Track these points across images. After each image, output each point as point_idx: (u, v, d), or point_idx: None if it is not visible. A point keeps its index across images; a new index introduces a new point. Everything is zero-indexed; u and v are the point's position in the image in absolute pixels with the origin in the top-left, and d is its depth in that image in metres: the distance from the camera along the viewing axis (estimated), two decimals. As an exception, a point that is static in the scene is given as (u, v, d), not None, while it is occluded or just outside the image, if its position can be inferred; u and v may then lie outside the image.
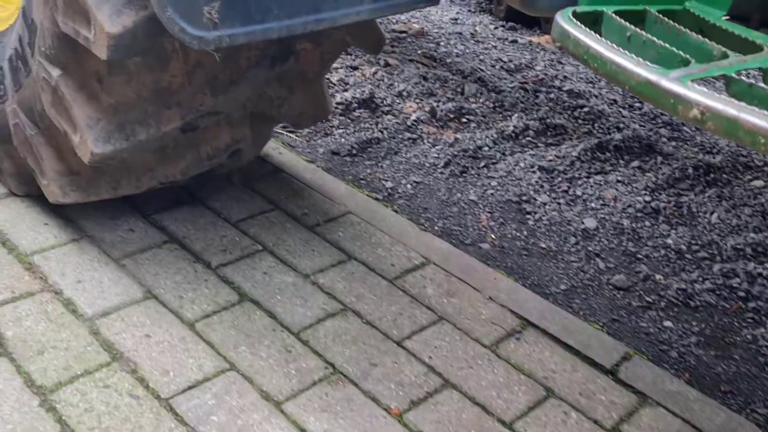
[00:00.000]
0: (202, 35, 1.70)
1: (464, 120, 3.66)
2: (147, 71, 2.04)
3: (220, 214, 2.71)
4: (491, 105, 3.80)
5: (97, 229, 2.53)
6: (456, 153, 3.32)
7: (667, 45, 1.63)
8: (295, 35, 1.98)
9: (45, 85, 2.08)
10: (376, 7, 2.03)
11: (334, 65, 4.01)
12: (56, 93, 2.03)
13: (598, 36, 1.64)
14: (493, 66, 4.34)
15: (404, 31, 4.68)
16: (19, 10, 2.30)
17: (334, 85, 3.83)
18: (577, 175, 3.22)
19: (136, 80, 2.05)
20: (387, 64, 4.17)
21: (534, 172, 3.21)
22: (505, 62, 4.39)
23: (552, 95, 3.95)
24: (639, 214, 2.99)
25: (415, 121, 3.57)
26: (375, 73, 4.02)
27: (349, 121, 3.55)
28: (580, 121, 3.71)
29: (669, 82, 1.43)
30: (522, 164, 3.27)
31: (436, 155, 3.31)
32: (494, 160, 3.31)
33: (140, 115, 2.09)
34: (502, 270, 2.62)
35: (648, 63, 1.52)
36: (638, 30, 1.71)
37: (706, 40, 1.68)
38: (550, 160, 3.30)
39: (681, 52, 1.59)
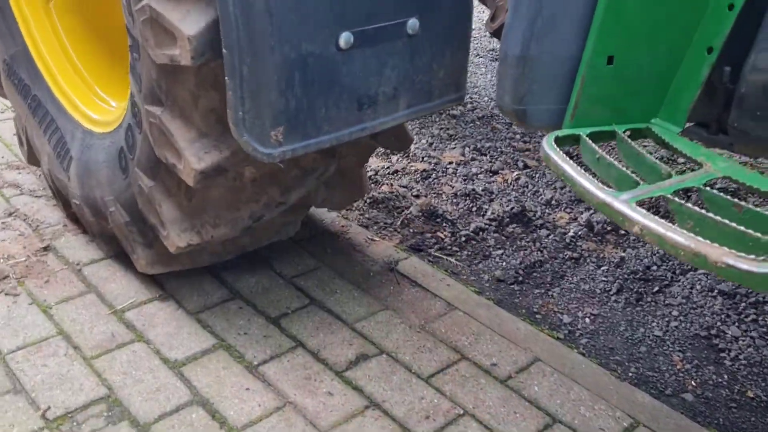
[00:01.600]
0: (270, 152, 2.09)
1: (622, 232, 3.52)
2: (222, 186, 2.47)
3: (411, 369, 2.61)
4: (645, 212, 3.65)
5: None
6: (626, 276, 3.17)
7: (623, 168, 1.94)
8: (342, 143, 2.27)
9: (140, 190, 2.50)
10: (409, 112, 2.35)
11: (474, 170, 3.92)
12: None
13: (571, 161, 1.95)
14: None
15: (533, 124, 4.57)
16: (124, 116, 2.67)
17: (480, 195, 3.73)
18: (762, 299, 3.04)
19: (215, 190, 2.48)
20: (526, 166, 4.06)
21: (714, 297, 3.05)
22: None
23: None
24: (840, 348, 2.80)
25: (573, 237, 3.44)
26: (517, 178, 3.92)
27: (504, 238, 3.44)
28: (743, 228, 3.53)
29: (619, 203, 1.76)
30: (698, 287, 3.11)
31: (604, 279, 3.17)
32: (666, 282, 3.16)
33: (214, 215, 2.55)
34: (714, 428, 2.46)
35: (605, 186, 1.84)
36: (604, 154, 2.01)
37: (657, 161, 1.97)
38: (726, 281, 3.13)
39: (633, 175, 1.90)
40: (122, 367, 2.50)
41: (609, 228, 3.52)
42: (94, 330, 2.66)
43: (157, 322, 2.73)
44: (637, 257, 3.29)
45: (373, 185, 3.83)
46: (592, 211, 3.63)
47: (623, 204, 1.75)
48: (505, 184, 3.87)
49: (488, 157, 4.15)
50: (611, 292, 3.09)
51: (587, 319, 2.95)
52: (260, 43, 1.95)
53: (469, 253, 3.33)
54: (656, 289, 3.12)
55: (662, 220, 1.68)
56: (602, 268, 3.25)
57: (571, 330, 2.89)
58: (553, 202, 3.71)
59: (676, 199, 1.79)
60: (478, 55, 5.88)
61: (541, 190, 3.81)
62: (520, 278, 3.16)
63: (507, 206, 3.62)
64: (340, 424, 2.34)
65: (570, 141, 2.11)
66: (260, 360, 2.57)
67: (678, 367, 2.73)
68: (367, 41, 2.14)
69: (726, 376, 2.69)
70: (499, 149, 4.24)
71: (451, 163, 4.06)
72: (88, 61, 3.18)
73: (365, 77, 2.19)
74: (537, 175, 3.96)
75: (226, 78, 1.98)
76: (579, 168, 1.91)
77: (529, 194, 3.79)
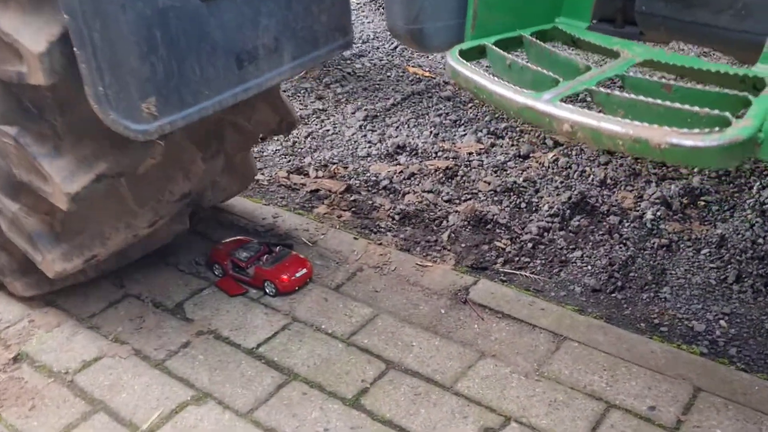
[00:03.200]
0: (146, 128, 1.86)
1: (701, 203, 3.00)
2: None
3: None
4: (714, 174, 3.15)
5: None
6: (736, 258, 2.65)
7: (539, 68, 1.81)
8: (227, 108, 2.06)
9: (5, 147, 2.10)
10: (295, 64, 2.18)
11: (500, 158, 3.33)
12: (19, 150, 2.04)
13: (481, 71, 1.81)
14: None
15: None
16: None
17: (523, 187, 3.13)
18: None
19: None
20: (557, 144, 3.48)
21: None
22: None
23: None
24: None
25: (652, 220, 2.89)
26: (554, 160, 3.34)
27: (573, 236, 2.86)
28: (827, 176, 3.07)
29: (542, 104, 1.61)
30: (822, 256, 2.62)
31: (713, 265, 2.64)
32: (784, 257, 2.65)
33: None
34: None
35: (524, 89, 1.68)
36: (515, 58, 1.87)
37: (572, 56, 1.86)
38: None
39: (551, 73, 1.76)
40: None
41: (686, 201, 2.99)
42: (123, 468, 1.94)
43: (204, 438, 2.02)
44: (737, 232, 2.77)
45: (391, 195, 3.18)
46: (658, 184, 3.10)
47: (546, 104, 1.60)
48: (544, 169, 3.29)
49: (508, 139, 3.56)
50: (730, 281, 2.56)
51: (722, 322, 2.40)
52: (108, 2, 1.72)
53: (543, 261, 2.73)
54: (777, 267, 2.61)
55: (592, 112, 1.53)
56: (703, 252, 2.71)
57: (712, 340, 2.34)
58: (609, 181, 3.16)
59: (602, 89, 1.65)
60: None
61: (587, 169, 3.25)
62: (618, 283, 2.59)
63: (561, 196, 3.04)
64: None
65: (475, 54, 2.00)
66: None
67: None
68: None
69: None
70: (516, 129, 3.65)
71: (470, 153, 3.44)
72: None
73: (239, 29, 2.00)
74: (574, 153, 3.40)
75: (74, 49, 1.73)
76: (491, 77, 1.78)
77: (576, 176, 3.21)
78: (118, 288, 2.63)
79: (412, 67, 4.46)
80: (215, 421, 2.07)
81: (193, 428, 2.05)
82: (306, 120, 3.88)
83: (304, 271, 2.58)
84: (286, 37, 2.14)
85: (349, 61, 4.58)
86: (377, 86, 4.21)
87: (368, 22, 5.27)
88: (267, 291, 2.56)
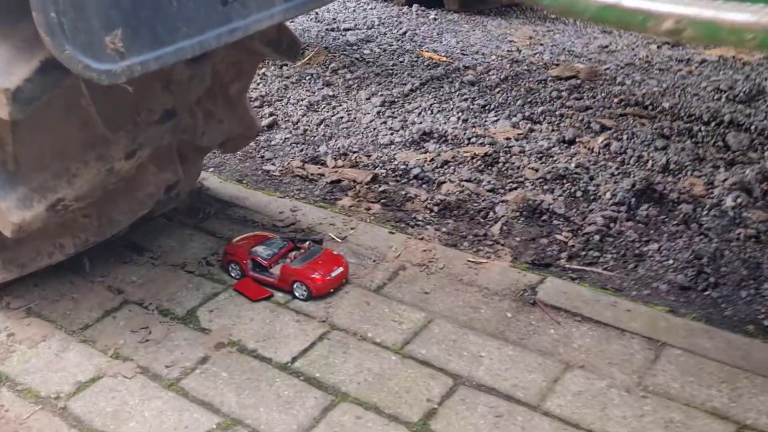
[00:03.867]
0: (110, 68, 1.53)
1: (784, 190, 2.64)
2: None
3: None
4: (789, 158, 2.79)
5: None
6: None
7: None
8: (209, 50, 1.76)
9: None
10: (287, 7, 1.89)
11: (543, 143, 2.95)
12: None
13: None
14: (712, 95, 3.35)
15: (573, 76, 3.63)
16: None
17: (577, 174, 2.75)
18: None
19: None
20: (604, 128, 3.11)
21: None
22: (719, 88, 3.39)
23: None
24: None
25: (733, 208, 2.52)
26: (605, 144, 2.96)
27: (644, 227, 2.48)
28: None
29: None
30: None
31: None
32: None
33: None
34: None
35: None
36: None
37: None
38: None
39: None
40: None
41: (766, 187, 2.63)
42: None
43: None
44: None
45: (425, 185, 2.77)
46: (727, 169, 2.74)
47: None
48: (594, 155, 2.91)
49: (547, 124, 3.18)
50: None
51: None
52: None
53: (614, 255, 2.34)
54: None
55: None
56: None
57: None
58: (672, 166, 2.79)
59: None
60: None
61: (644, 153, 2.87)
62: (710, 279, 2.21)
63: (622, 183, 2.66)
64: None
65: None
66: None
67: None
68: None
69: None
70: (554, 112, 3.27)
71: (508, 139, 3.05)
72: None
73: None
74: (626, 136, 3.02)
75: None
76: None
77: (632, 162, 2.84)
78: (114, 294, 2.19)
79: (427, 51, 4.08)
80: (253, 453, 1.64)
81: (225, 465, 1.62)
82: (316, 107, 3.47)
83: (340, 269, 2.16)
84: None
85: (355, 47, 4.18)
86: (390, 71, 3.81)
87: (371, 9, 4.88)
88: (297, 294, 2.14)
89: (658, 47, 3.98)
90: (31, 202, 1.83)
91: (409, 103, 3.45)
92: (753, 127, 3.01)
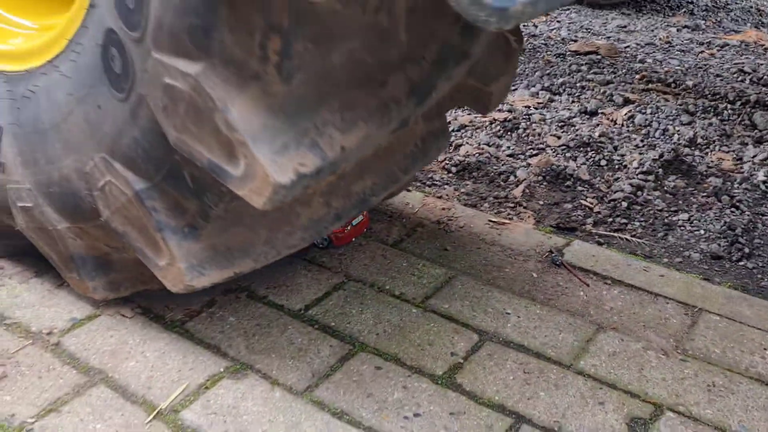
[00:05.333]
0: (504, 5, 1.04)
1: (815, 168, 2.53)
2: None
3: None
4: (819, 139, 2.69)
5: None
6: None
7: None
8: None
9: (112, 189, 1.47)
10: None
11: (564, 113, 2.83)
12: (130, 205, 1.46)
13: None
14: (736, 76, 3.25)
15: (593, 51, 3.52)
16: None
17: (602, 143, 2.64)
18: None
19: None
20: (627, 101, 3.00)
21: None
22: (743, 70, 3.29)
23: None
24: None
25: (765, 182, 2.41)
26: (629, 116, 2.85)
27: (672, 197, 2.36)
28: None
29: None
30: None
31: None
32: None
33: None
34: None
35: None
36: None
37: None
38: None
39: None
40: None
41: (797, 164, 2.53)
42: (137, 462, 1.36)
43: (249, 421, 1.45)
44: None
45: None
46: (756, 146, 2.63)
47: None
48: (618, 126, 2.80)
49: (567, 96, 3.06)
50: None
51: None
52: None
53: (643, 223, 2.23)
54: None
55: None
56: (835, 222, 2.24)
57: None
58: (699, 140, 2.68)
59: None
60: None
61: (670, 127, 2.77)
62: (745, 249, 2.10)
63: (648, 154, 2.55)
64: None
65: None
66: None
67: None
68: None
69: None
70: (575, 84, 3.16)
71: (528, 107, 2.93)
72: None
73: None
74: (649, 110, 2.91)
75: None
76: None
77: (658, 135, 2.73)
78: (113, 235, 2.04)
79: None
80: (263, 400, 1.50)
81: (234, 409, 1.48)
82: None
83: (361, 218, 2.03)
84: None
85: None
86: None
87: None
88: (316, 241, 2.01)
89: (677, 30, 3.88)
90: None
91: (423, 69, 3.33)
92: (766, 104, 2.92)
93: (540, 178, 2.42)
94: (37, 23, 1.76)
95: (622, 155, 2.56)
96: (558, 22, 4.01)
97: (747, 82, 3.20)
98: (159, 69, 1.25)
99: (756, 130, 2.78)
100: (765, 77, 3.21)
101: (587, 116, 2.87)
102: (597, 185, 2.41)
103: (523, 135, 2.72)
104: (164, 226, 1.45)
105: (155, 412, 1.47)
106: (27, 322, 1.71)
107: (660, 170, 2.46)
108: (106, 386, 1.53)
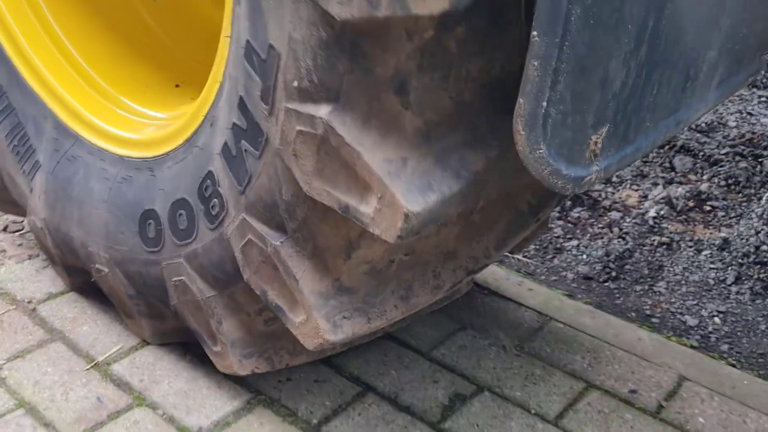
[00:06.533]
0: (579, 174, 1.16)
1: (707, 208, 2.89)
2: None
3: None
4: (723, 183, 3.04)
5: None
6: (738, 260, 2.54)
7: None
8: (652, 149, 1.45)
9: (251, 247, 1.52)
10: (718, 94, 1.53)
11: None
12: (270, 261, 1.49)
13: None
14: (677, 127, 3.60)
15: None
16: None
17: (526, 177, 3.04)
18: None
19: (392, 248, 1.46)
20: (565, 141, 3.39)
21: None
22: (686, 121, 3.64)
23: (781, 160, 3.22)
24: None
25: (655, 218, 2.79)
26: (561, 154, 3.25)
27: (571, 226, 2.76)
28: (841, 194, 2.96)
29: None
30: (829, 266, 2.51)
31: (713, 266, 2.53)
32: (788, 264, 2.55)
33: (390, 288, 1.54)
34: None
35: None
36: None
37: None
38: None
39: None
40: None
41: (691, 204, 2.89)
42: (71, 396, 1.84)
43: (161, 374, 1.93)
44: (741, 237, 2.66)
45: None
46: (665, 187, 3.00)
47: None
48: (549, 163, 3.20)
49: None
50: (728, 282, 2.45)
51: (716, 319, 2.29)
52: None
53: (537, 247, 2.63)
54: (779, 272, 2.50)
55: None
56: (704, 253, 2.60)
57: (704, 335, 2.23)
58: (615, 179, 3.07)
59: None
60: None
61: (593, 166, 3.15)
62: (612, 273, 2.49)
63: (563, 187, 2.94)
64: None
65: None
66: (296, 405, 1.81)
67: None
68: None
69: None
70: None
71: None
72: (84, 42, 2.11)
73: (706, 27, 1.33)
74: (581, 150, 3.30)
75: (533, 33, 1.04)
76: None
77: (580, 172, 3.12)
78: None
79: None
80: (175, 359, 1.98)
81: (152, 365, 1.96)
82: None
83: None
84: (725, 50, 1.46)
85: None
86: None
87: None
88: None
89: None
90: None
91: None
92: (701, 154, 3.26)
93: (461, 204, 2.84)
94: (167, 113, 1.99)
95: (541, 188, 2.97)
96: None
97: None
98: (291, 118, 1.30)
99: (673, 172, 3.14)
100: (702, 125, 3.56)
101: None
102: (509, 213, 2.82)
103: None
104: (302, 285, 1.47)
105: (93, 363, 1.95)
106: (14, 292, 2.22)
107: (569, 203, 2.85)
108: (62, 343, 2.03)
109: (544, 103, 1.08)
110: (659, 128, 1.35)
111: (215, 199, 1.59)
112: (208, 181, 1.60)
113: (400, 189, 1.22)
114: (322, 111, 1.24)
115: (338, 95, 1.23)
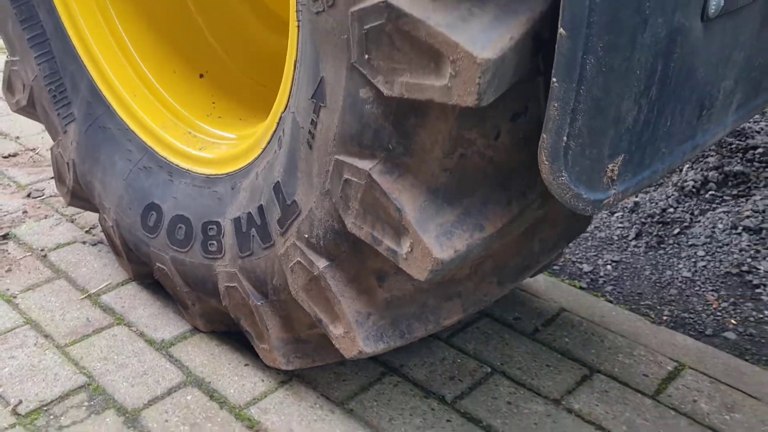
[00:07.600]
0: (598, 197, 1.33)
1: (630, 178, 3.29)
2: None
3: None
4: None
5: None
6: (642, 220, 2.95)
7: None
8: (671, 171, 1.65)
9: (299, 268, 1.74)
10: (736, 117, 1.64)
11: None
12: (316, 281, 1.71)
13: None
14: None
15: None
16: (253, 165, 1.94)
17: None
18: (790, 233, 2.84)
19: None
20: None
21: (739, 234, 2.83)
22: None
23: (710, 138, 3.58)
24: None
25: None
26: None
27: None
28: (755, 164, 3.33)
29: None
30: (720, 225, 2.89)
31: (620, 225, 2.94)
32: (686, 224, 2.94)
33: (418, 309, 1.74)
34: (765, 365, 2.24)
35: None
36: None
37: None
38: (749, 216, 2.92)
39: None
40: (102, 353, 2.20)
41: (616, 175, 3.29)
42: (67, 317, 2.36)
43: (138, 303, 2.43)
44: (652, 200, 3.06)
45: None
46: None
47: None
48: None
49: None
50: (629, 238, 2.86)
51: (609, 266, 2.71)
52: (629, 12, 1.19)
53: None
54: (677, 231, 2.89)
55: None
56: (616, 215, 3.01)
57: (594, 278, 2.65)
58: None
59: None
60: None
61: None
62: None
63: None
64: (357, 394, 2.07)
65: None
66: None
67: (714, 306, 2.50)
68: (734, 2, 1.41)
69: (767, 312, 2.47)
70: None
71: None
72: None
73: (718, 63, 1.45)
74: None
75: (552, 79, 1.19)
76: None
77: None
78: (103, 197, 3.08)
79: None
80: (153, 290, 2.48)
81: (134, 297, 2.46)
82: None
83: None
84: (742, 79, 1.58)
85: None
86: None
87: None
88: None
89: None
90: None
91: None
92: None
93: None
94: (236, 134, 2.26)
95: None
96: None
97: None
98: (340, 167, 1.51)
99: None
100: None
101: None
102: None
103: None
104: (345, 307, 1.66)
105: (86, 295, 2.47)
106: (31, 243, 2.76)
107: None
108: (65, 280, 2.55)
109: (565, 138, 1.22)
110: (675, 153, 1.46)
111: (255, 230, 1.87)
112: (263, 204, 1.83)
113: (431, 238, 1.42)
114: (366, 165, 1.45)
115: (380, 154, 1.45)
